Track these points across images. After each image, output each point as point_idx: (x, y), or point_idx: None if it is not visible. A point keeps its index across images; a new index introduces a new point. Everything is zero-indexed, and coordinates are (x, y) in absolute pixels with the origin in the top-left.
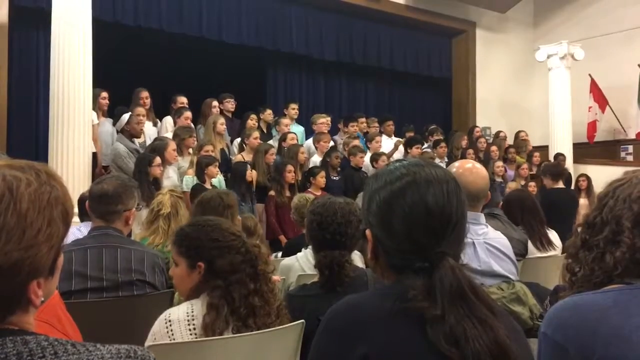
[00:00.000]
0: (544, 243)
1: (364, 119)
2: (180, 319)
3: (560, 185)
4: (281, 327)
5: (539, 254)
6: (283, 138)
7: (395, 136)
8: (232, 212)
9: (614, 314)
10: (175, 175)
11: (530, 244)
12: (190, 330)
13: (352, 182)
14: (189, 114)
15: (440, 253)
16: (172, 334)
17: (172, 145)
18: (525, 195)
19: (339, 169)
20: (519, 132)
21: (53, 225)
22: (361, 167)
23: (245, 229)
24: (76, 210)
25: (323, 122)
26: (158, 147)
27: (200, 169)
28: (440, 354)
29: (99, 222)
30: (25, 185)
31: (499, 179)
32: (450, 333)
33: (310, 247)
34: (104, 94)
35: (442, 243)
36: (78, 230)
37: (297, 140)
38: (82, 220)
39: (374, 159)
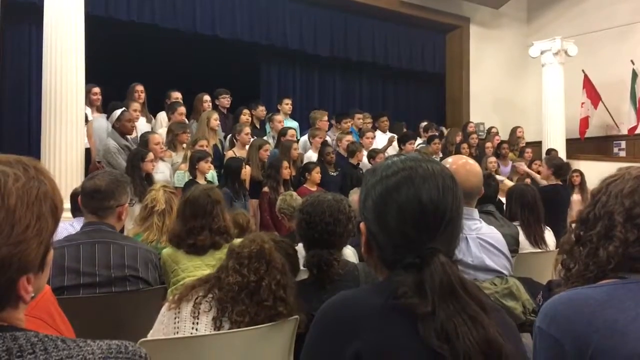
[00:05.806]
0: (537, 240)
1: (360, 115)
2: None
3: (559, 182)
4: (274, 323)
5: (531, 250)
6: (283, 133)
7: (389, 132)
8: (221, 207)
9: (608, 308)
10: (168, 171)
11: (523, 239)
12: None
13: (351, 179)
14: (182, 109)
15: (432, 249)
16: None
17: (155, 140)
18: (527, 190)
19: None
20: (515, 128)
21: (42, 221)
22: (359, 164)
23: (237, 226)
24: (68, 205)
25: (326, 119)
26: (141, 142)
27: (192, 165)
28: (432, 351)
29: (91, 218)
30: (13, 180)
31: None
32: (441, 329)
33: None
34: (95, 90)
35: (434, 239)
36: (70, 225)
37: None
38: (74, 216)
39: (371, 155)
